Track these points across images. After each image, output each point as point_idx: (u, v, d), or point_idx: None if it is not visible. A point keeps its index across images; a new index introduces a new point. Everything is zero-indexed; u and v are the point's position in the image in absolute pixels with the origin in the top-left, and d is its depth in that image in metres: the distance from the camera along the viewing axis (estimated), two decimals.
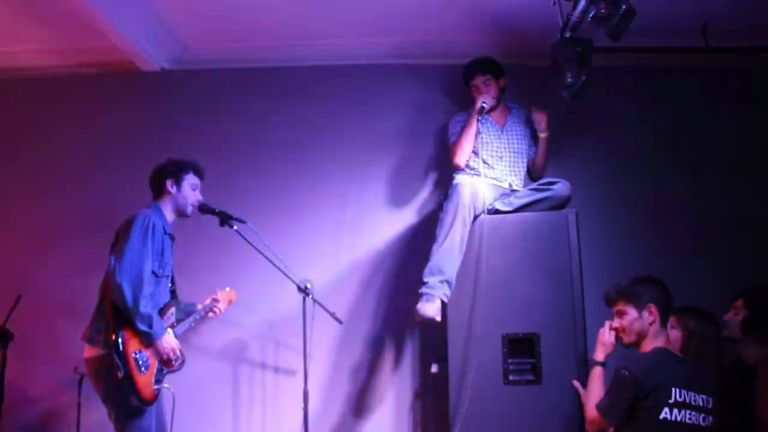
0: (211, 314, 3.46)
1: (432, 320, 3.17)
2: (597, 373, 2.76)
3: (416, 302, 3.20)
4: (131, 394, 2.91)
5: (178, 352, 3.11)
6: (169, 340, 3.06)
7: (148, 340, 2.99)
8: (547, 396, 3.09)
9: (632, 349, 2.71)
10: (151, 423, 3.03)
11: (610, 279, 3.70)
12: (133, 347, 2.96)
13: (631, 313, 2.67)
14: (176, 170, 3.35)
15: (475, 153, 3.56)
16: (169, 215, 3.34)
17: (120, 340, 2.92)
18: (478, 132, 3.57)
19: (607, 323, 2.80)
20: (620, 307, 2.71)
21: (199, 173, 3.40)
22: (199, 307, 3.45)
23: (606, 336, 2.78)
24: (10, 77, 4.23)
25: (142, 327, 2.95)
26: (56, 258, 3.96)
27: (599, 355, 2.79)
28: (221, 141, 4.11)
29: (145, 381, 2.97)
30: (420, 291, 3.21)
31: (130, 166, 4.04)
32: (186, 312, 3.41)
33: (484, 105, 3.53)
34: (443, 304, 3.21)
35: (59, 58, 4.15)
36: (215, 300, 3.47)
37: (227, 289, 3.56)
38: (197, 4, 3.71)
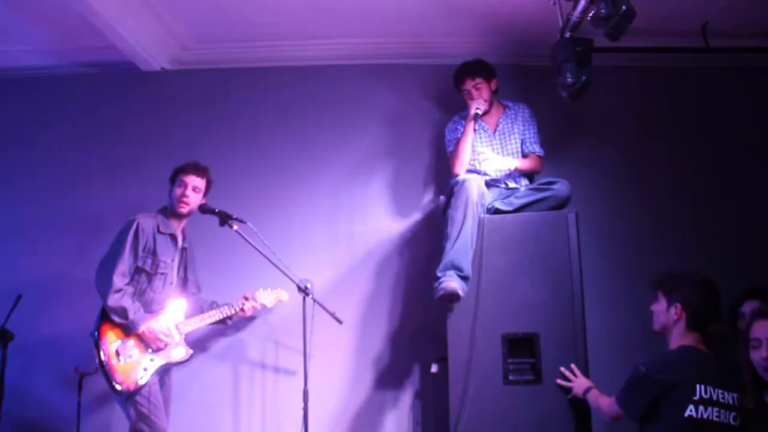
0: (240, 313, 3.55)
1: (454, 294, 3.11)
2: (594, 393, 2.90)
3: (434, 287, 3.17)
4: (109, 381, 3.12)
5: (166, 339, 3.26)
6: (153, 328, 3.23)
7: (128, 329, 3.19)
8: (547, 396, 3.08)
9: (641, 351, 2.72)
10: (155, 409, 3.16)
11: (610, 279, 3.76)
12: (114, 338, 3.18)
13: (662, 303, 2.66)
14: (172, 176, 3.50)
15: (471, 160, 3.54)
16: (173, 217, 3.42)
17: (96, 332, 3.17)
18: None
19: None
20: (657, 292, 2.70)
21: (189, 169, 3.47)
22: (222, 306, 3.53)
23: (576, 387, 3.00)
24: (10, 77, 4.23)
25: (117, 319, 3.17)
26: (56, 257, 3.96)
27: (578, 391, 2.97)
28: (221, 141, 4.10)
29: (124, 369, 3.14)
30: (439, 280, 3.18)
31: (130, 165, 4.05)
32: (199, 309, 3.51)
33: (478, 111, 3.49)
34: (450, 305, 3.21)
35: (59, 58, 4.15)
36: (245, 299, 3.55)
37: (277, 289, 3.68)
38: (197, 4, 3.71)
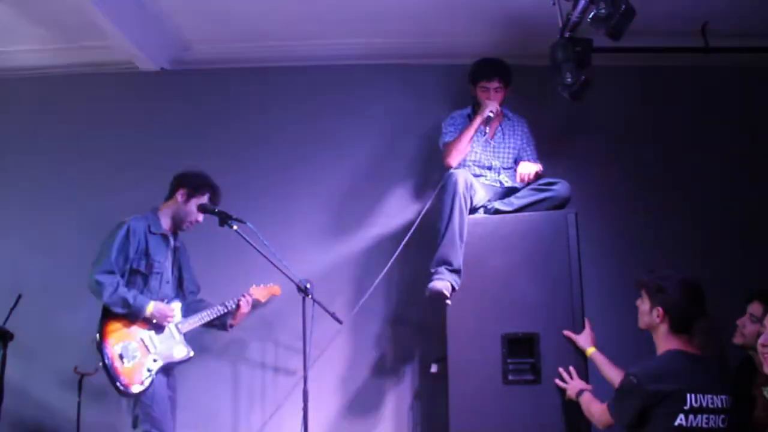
0: (236, 309, 3.52)
1: (440, 294, 3.12)
2: (587, 397, 2.89)
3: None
4: (114, 383, 3.10)
5: (171, 314, 3.29)
6: (158, 306, 3.25)
7: (134, 316, 3.19)
8: (546, 396, 3.08)
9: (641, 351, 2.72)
10: (162, 410, 3.17)
11: (609, 279, 3.76)
12: (117, 339, 3.16)
13: (646, 304, 2.64)
14: (195, 185, 3.43)
15: (464, 160, 3.55)
16: (166, 220, 3.43)
17: (98, 335, 3.14)
18: None
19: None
20: (641, 292, 2.69)
21: (214, 199, 3.45)
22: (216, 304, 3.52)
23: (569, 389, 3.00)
24: (10, 77, 4.24)
25: (120, 310, 3.15)
26: (56, 257, 3.96)
27: (571, 393, 2.97)
28: (221, 141, 4.11)
29: (128, 371, 3.13)
30: (431, 278, 3.20)
31: (129, 165, 4.05)
32: (195, 310, 3.48)
33: (491, 115, 3.49)
34: (445, 304, 3.21)
35: (59, 58, 4.15)
36: (242, 296, 3.54)
37: (270, 284, 3.68)
38: (197, 4, 3.71)
